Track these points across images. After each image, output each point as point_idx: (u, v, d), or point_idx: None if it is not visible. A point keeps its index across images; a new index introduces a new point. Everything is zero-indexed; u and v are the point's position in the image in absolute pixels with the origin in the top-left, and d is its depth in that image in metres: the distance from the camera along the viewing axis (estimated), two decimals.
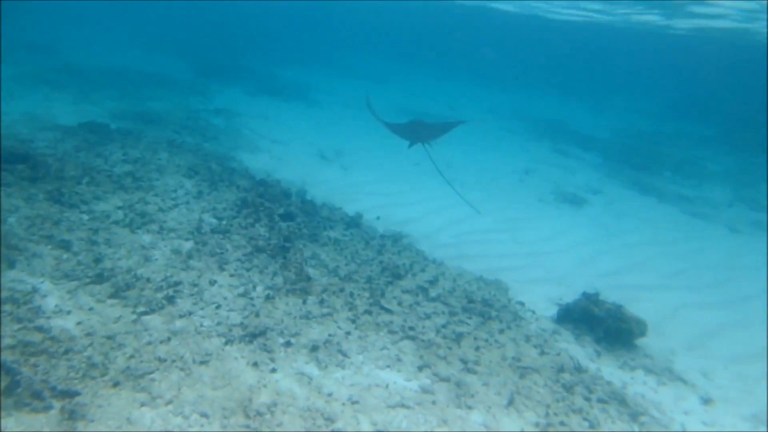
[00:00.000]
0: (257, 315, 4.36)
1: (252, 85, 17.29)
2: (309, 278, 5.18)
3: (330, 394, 3.50)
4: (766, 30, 18.60)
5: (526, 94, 27.36)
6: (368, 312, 4.73)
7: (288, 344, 4.03)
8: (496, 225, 8.36)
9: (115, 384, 3.24)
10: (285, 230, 6.10)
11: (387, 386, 3.69)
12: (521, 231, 8.24)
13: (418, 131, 7.20)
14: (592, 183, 11.35)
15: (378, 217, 8.07)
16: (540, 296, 6.00)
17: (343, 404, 3.44)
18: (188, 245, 5.34)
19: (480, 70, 32.54)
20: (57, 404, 3.04)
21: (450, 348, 4.35)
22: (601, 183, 11.41)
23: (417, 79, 27.75)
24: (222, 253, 5.23)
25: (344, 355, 3.98)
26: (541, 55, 44.45)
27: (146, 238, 5.27)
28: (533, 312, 5.31)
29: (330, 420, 3.28)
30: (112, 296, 4.26)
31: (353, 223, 7.05)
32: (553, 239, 8.03)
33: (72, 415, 2.97)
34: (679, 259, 7.55)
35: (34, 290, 4.02)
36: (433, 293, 5.26)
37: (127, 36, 27.69)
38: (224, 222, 5.97)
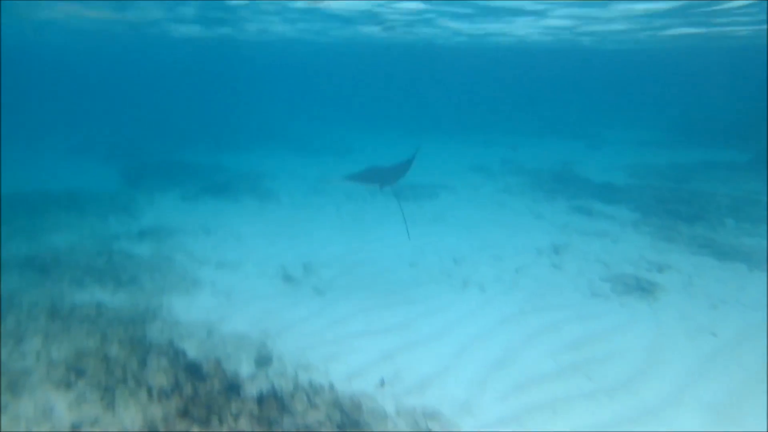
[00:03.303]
0: None
1: (192, 186, 15.03)
2: None
3: None
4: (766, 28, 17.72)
5: (508, 140, 25.95)
6: None
7: None
8: (557, 362, 5.93)
9: None
10: None
11: None
12: (598, 365, 5.84)
13: (382, 174, 7.70)
14: (648, 253, 9.15)
15: (382, 383, 5.60)
16: None
17: None
18: None
19: (451, 120, 31.34)
20: None
21: None
22: (659, 252, 9.23)
23: (383, 144, 26.13)
24: None
25: None
26: (512, 92, 44.18)
27: None
28: None
29: None
30: None
31: (351, 422, 4.53)
32: (653, 377, 5.62)
33: None
34: None
35: None
36: None
37: (47, 140, 25.56)
38: None
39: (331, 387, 5.21)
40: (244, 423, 4.20)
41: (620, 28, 19.66)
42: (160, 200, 13.76)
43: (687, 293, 7.57)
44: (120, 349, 5.29)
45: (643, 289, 7.66)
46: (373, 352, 6.22)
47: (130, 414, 4.26)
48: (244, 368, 5.65)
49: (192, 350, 5.81)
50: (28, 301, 6.68)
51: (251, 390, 4.98)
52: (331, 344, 6.44)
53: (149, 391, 4.58)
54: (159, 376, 4.84)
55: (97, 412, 4.25)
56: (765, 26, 18.18)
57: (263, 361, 5.85)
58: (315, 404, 4.80)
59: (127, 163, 19.31)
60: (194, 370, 5.00)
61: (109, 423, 4.13)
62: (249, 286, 8.24)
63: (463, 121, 31.20)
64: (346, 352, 6.24)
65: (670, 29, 19.60)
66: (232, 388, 4.80)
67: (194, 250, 9.87)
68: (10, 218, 11.36)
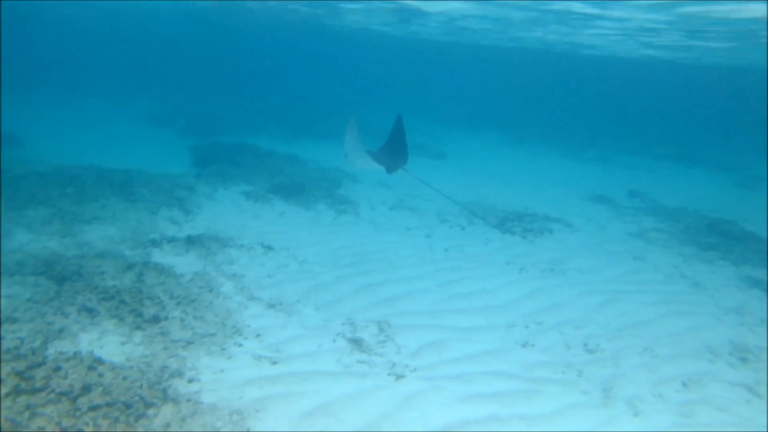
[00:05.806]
0: None
1: (260, 180, 13.49)
2: None
3: None
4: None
5: (632, 161, 22.67)
6: None
7: None
8: None
9: None
10: None
11: None
12: None
13: (389, 156, 7.31)
14: None
15: None
16: None
17: None
18: None
19: (561, 131, 28.10)
20: None
21: None
22: None
23: (478, 149, 23.67)
24: None
25: None
26: (638, 104, 39.85)
27: None
28: None
29: None
30: None
31: None
32: None
33: None
34: None
35: None
36: None
37: (131, 107, 25.47)
38: None
39: None
40: None
41: None
42: (223, 195, 12.28)
43: None
44: None
45: None
46: None
47: None
48: None
49: None
50: (12, 341, 5.12)
51: None
52: None
53: None
54: None
55: None
56: None
57: None
58: None
59: (199, 140, 18.31)
60: None
61: None
62: (303, 349, 6.32)
63: (576, 133, 27.92)
64: None
65: None
66: None
67: (246, 275, 8.14)
68: (55, 199, 10.24)
